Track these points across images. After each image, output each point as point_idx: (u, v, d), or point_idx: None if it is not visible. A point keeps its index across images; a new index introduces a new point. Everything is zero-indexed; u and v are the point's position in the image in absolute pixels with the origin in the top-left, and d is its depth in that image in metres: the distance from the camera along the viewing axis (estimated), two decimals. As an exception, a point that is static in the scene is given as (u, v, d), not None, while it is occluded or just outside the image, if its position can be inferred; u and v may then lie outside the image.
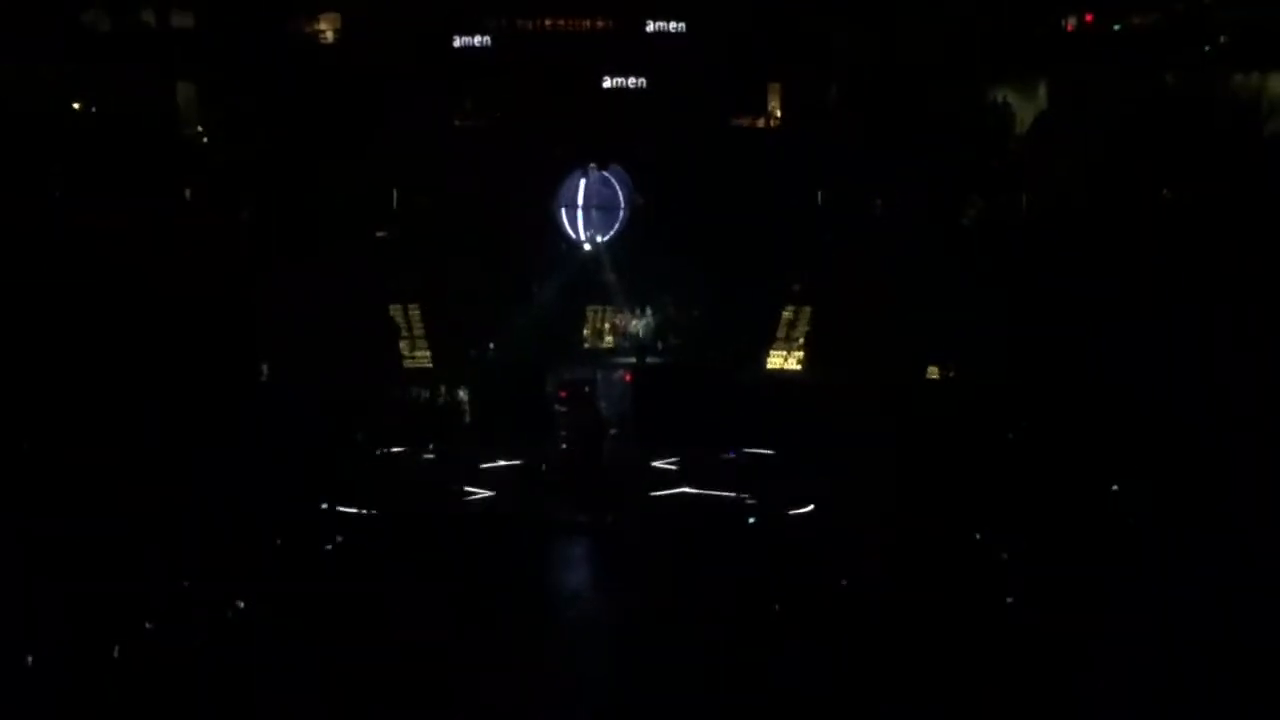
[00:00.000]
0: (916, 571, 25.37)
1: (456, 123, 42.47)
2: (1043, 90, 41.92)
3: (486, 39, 41.84)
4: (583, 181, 40.44)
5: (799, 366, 39.85)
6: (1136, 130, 38.84)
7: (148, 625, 22.03)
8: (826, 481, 31.69)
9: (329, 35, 42.89)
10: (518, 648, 22.95)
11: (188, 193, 39.91)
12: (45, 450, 29.02)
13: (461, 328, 39.49)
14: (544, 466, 33.49)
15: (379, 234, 41.23)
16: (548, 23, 42.09)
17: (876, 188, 40.96)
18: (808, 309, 40.28)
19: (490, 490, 32.48)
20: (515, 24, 42.08)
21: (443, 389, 38.41)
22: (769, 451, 35.24)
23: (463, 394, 38.28)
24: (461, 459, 34.64)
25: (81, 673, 20.57)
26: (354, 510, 30.04)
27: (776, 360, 40.06)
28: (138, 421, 30.39)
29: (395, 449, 35.62)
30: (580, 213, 40.42)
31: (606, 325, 41.06)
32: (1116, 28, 41.42)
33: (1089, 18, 41.78)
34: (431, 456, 35.30)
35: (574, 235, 40.53)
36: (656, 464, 34.22)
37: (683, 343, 40.43)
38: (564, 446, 33.54)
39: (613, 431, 34.46)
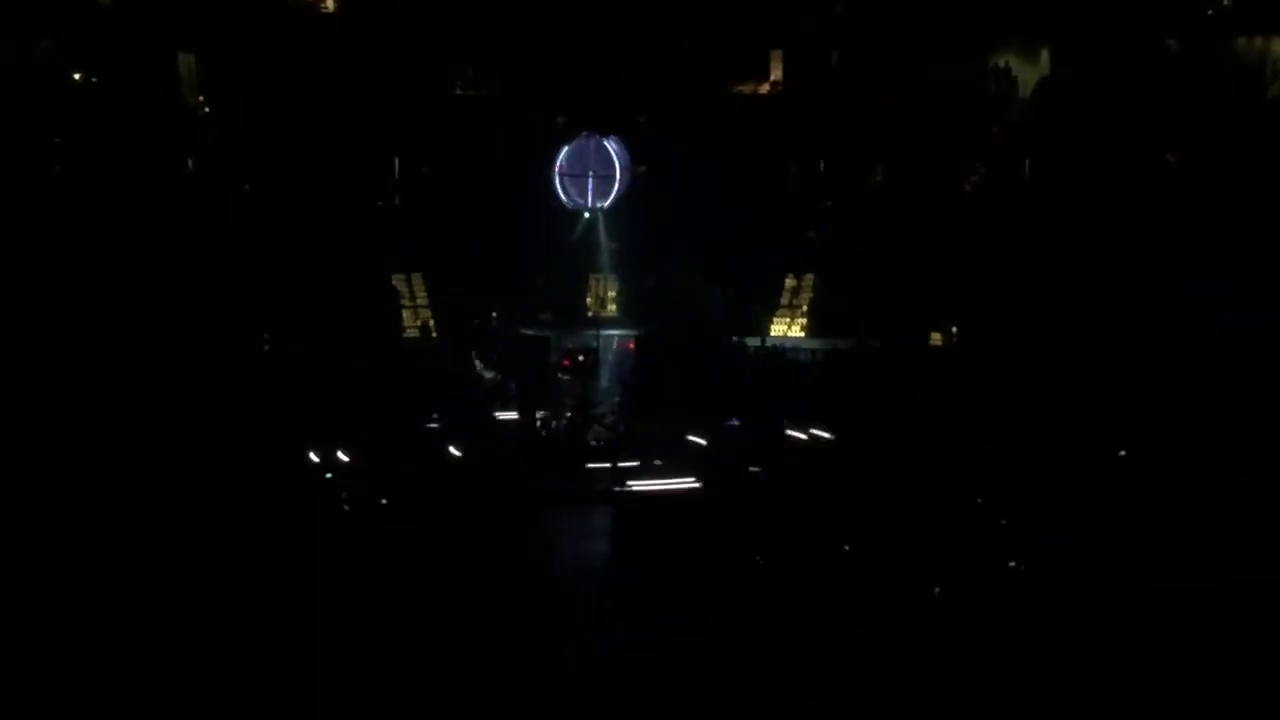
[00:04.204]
0: (922, 539, 25.37)
1: (457, 91, 42.35)
2: (1045, 56, 41.69)
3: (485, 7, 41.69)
4: (581, 150, 40.45)
5: (803, 334, 39.83)
6: (1140, 95, 38.72)
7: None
8: (832, 448, 31.63)
9: (329, 4, 42.76)
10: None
11: (190, 163, 39.93)
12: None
13: (465, 296, 39.52)
14: (543, 432, 33.45)
15: (380, 203, 41.25)
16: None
17: (878, 155, 40.81)
18: (810, 276, 40.26)
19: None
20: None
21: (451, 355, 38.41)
22: (773, 419, 35.07)
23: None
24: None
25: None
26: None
27: (780, 328, 40.06)
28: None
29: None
30: (580, 181, 40.44)
31: (609, 293, 41.01)
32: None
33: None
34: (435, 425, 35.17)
35: (574, 203, 40.55)
36: (658, 431, 34.07)
37: (685, 310, 40.32)
38: (567, 414, 33.55)
39: (615, 399, 34.40)
